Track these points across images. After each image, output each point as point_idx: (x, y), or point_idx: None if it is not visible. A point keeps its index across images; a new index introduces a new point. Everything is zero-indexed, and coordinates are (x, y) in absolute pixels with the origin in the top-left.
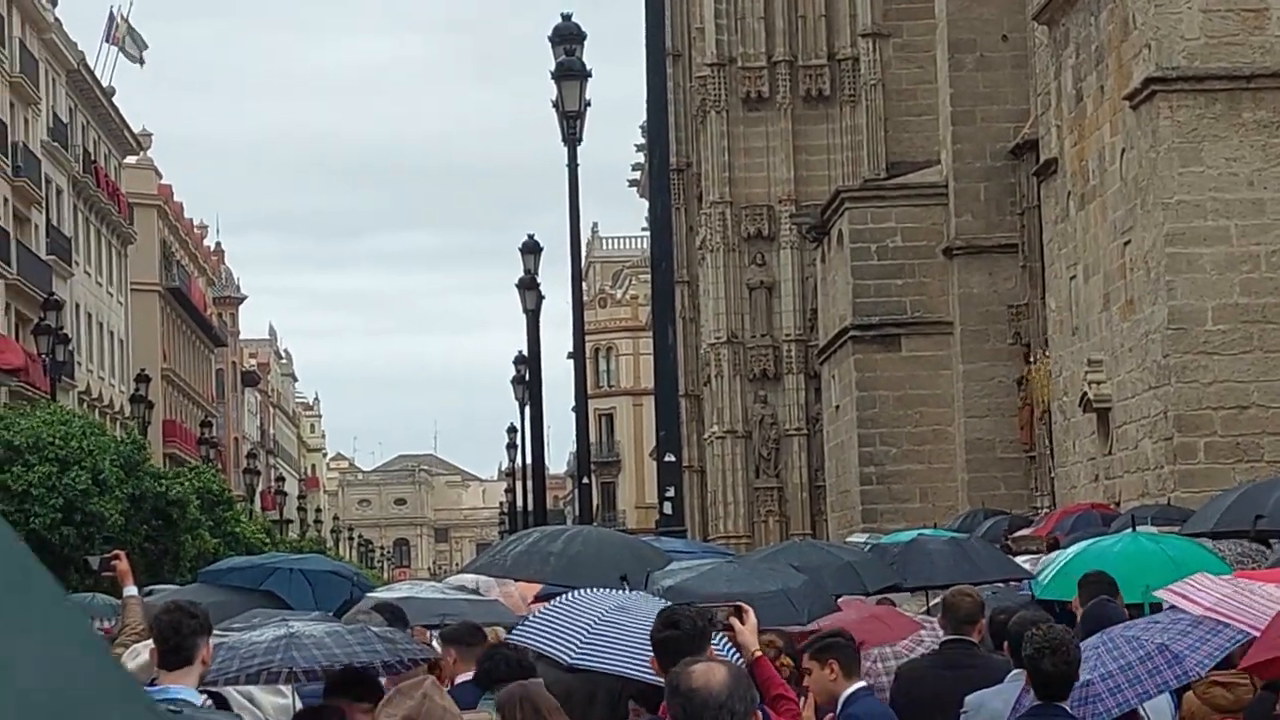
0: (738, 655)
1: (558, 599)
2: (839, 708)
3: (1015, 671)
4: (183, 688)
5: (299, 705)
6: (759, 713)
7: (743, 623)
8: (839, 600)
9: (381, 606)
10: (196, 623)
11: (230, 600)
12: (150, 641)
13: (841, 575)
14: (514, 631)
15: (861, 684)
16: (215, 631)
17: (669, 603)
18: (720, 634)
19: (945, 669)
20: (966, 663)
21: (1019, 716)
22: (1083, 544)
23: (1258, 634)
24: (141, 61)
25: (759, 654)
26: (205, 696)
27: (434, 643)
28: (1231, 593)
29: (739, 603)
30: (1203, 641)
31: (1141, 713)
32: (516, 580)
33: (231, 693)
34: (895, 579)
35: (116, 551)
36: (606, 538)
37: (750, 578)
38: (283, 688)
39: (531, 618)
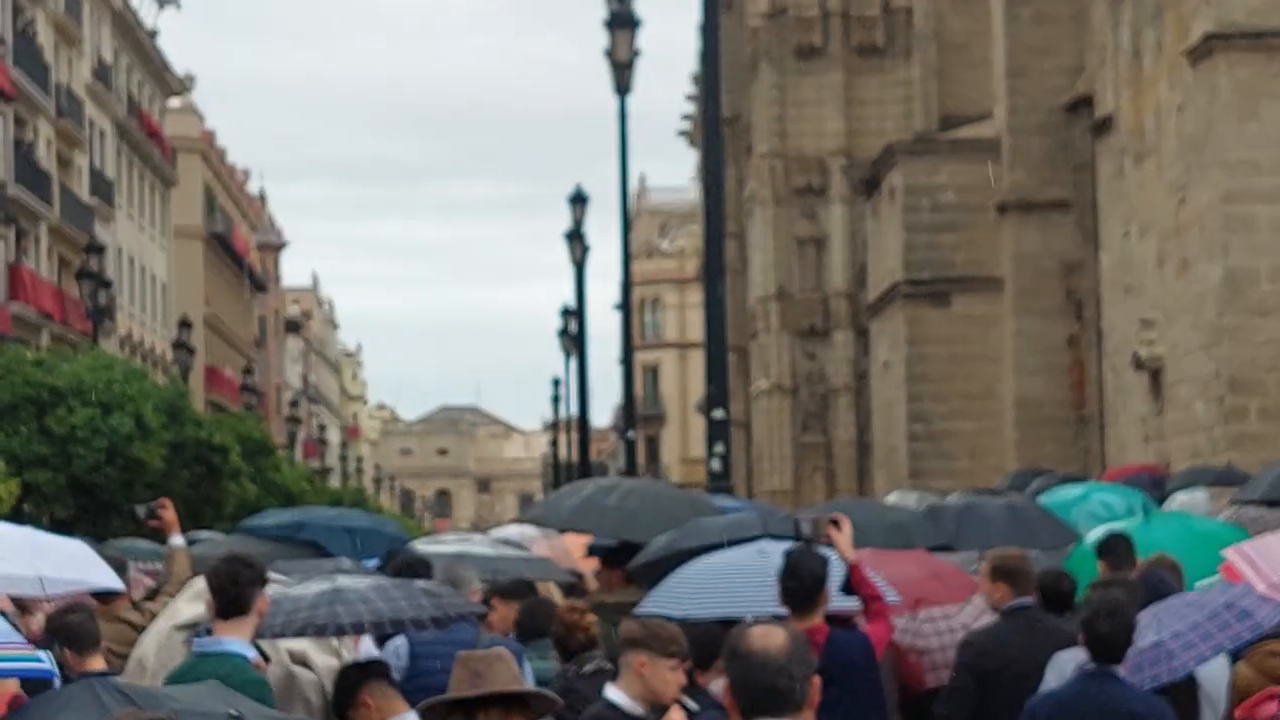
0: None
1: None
2: None
3: None
4: (237, 641)
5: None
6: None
7: (839, 531)
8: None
9: (415, 562)
10: (253, 573)
11: (272, 550)
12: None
13: (890, 534)
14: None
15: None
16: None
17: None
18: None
19: (1023, 635)
20: (1038, 627)
21: (1077, 679)
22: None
23: None
24: (178, 3)
25: (855, 559)
26: (256, 656)
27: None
28: None
29: (836, 514)
30: (1265, 600)
31: (1198, 681)
32: (574, 531)
33: (283, 652)
34: (945, 539)
35: (163, 500)
36: (662, 491)
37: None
38: (341, 649)
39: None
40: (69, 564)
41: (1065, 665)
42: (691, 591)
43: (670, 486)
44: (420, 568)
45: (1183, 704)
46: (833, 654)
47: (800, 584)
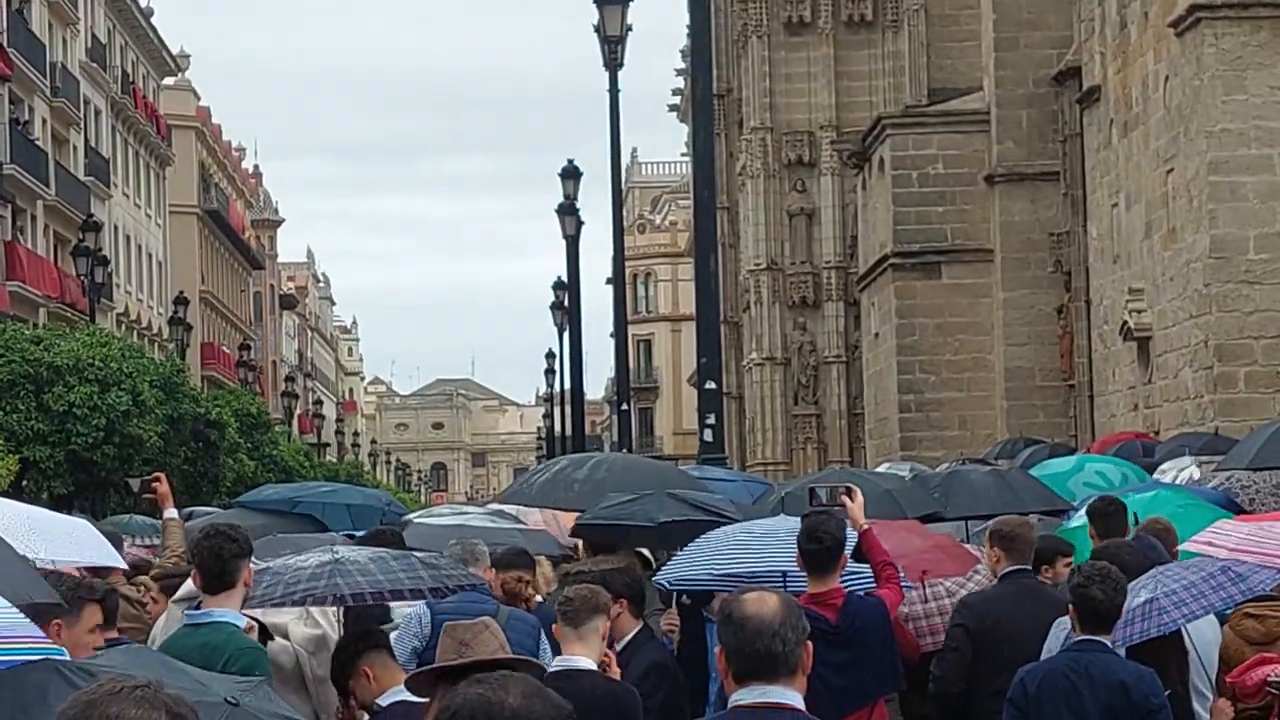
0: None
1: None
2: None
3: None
4: (226, 611)
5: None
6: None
7: (852, 500)
8: (898, 522)
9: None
10: (237, 546)
11: (268, 523)
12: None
13: (881, 503)
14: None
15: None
16: (255, 557)
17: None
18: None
19: (1020, 599)
20: (1037, 594)
21: (1066, 650)
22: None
23: None
24: None
25: (867, 526)
26: (248, 620)
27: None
28: (1251, 531)
29: (849, 484)
30: (1261, 567)
31: (1188, 643)
32: (542, 508)
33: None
34: (935, 507)
35: (157, 475)
36: (632, 463)
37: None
38: (318, 617)
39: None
40: (66, 542)
41: (1061, 634)
42: (720, 553)
43: (643, 459)
44: (392, 539)
45: (1165, 655)
46: (850, 616)
47: (820, 546)
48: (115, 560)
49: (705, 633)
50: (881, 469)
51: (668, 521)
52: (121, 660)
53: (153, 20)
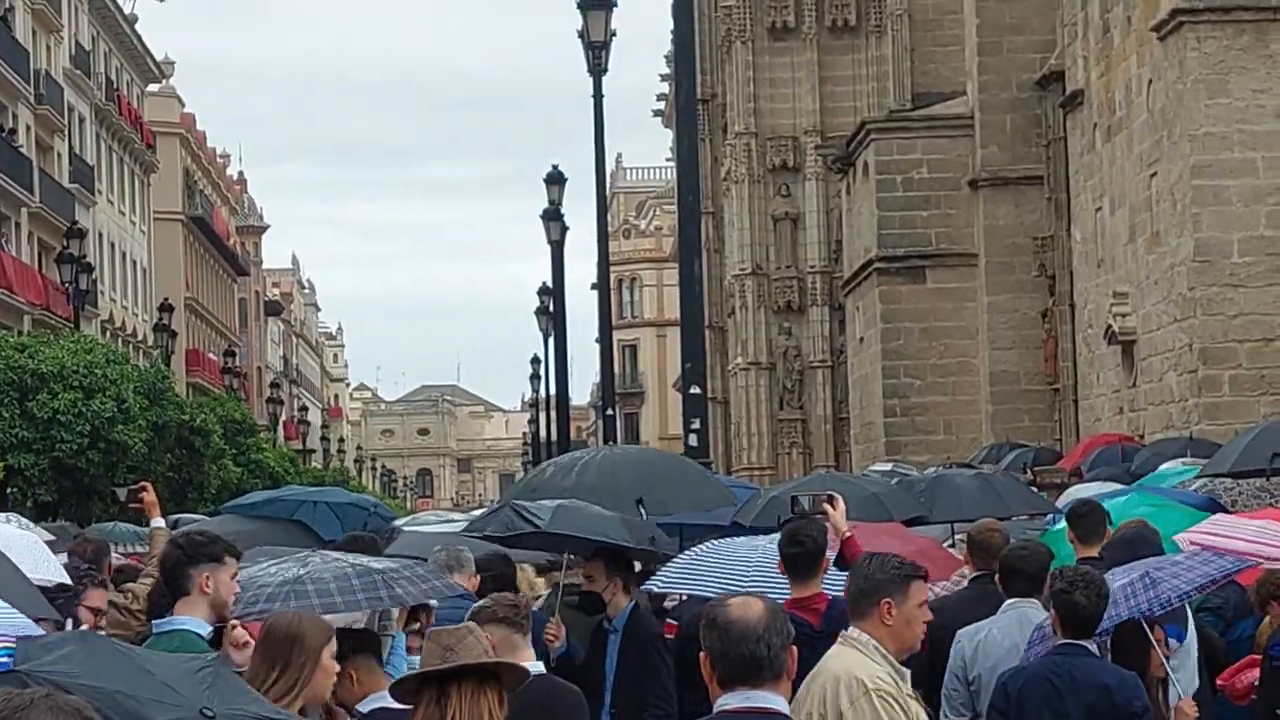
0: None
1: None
2: None
3: (1010, 602)
4: (186, 618)
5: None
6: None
7: (834, 508)
8: (880, 525)
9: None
10: (182, 554)
11: (260, 530)
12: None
13: (866, 506)
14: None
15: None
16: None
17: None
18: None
19: (981, 605)
20: (993, 598)
21: (1048, 654)
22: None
23: None
24: None
25: (849, 533)
26: (211, 629)
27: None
28: (1261, 526)
29: (831, 492)
30: (1187, 570)
31: (1171, 653)
32: None
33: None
34: (921, 511)
35: (144, 484)
36: (620, 462)
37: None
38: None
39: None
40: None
41: (979, 632)
42: (703, 569)
43: (636, 451)
44: (367, 545)
45: (1129, 648)
46: (835, 620)
47: (802, 549)
48: (62, 576)
49: (605, 644)
50: (869, 469)
51: (490, 535)
52: (80, 652)
53: (137, 27)
